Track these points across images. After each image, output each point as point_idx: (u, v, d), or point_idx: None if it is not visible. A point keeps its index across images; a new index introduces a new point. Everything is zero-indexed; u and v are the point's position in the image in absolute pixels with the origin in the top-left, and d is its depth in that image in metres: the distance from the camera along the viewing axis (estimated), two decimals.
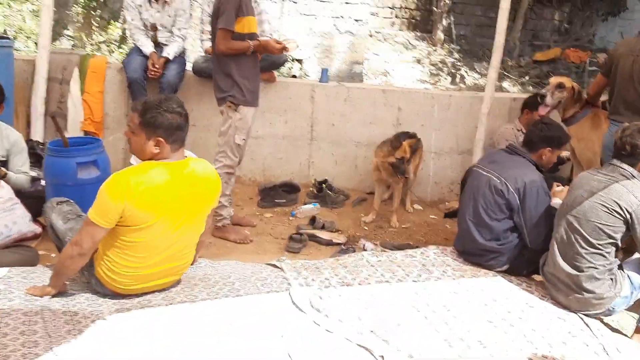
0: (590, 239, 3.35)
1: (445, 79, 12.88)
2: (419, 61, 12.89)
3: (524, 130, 5.31)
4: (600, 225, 3.33)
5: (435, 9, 13.16)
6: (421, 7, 13.45)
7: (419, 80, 12.49)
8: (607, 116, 4.52)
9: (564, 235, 3.46)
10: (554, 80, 4.67)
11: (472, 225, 3.88)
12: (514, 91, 13.26)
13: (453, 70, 13.02)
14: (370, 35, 12.58)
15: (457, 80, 12.92)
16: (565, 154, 4.80)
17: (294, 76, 9.52)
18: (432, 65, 12.92)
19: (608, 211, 3.31)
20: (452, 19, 13.42)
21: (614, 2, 15.34)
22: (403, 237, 4.93)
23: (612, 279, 3.40)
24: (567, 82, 4.64)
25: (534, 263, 3.81)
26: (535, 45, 15.15)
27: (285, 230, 4.78)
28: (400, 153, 4.79)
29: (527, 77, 13.64)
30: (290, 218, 5.02)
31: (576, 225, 3.40)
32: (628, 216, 3.29)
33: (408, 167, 4.89)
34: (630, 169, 3.38)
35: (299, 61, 9.89)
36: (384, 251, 4.40)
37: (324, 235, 4.65)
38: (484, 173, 3.88)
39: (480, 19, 14.14)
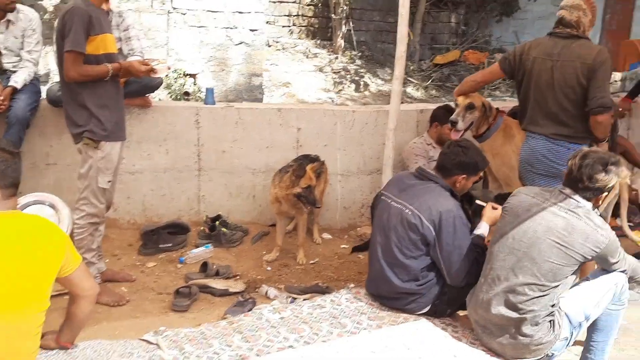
0: (543, 281, 2.86)
1: (349, 86, 12.52)
2: (320, 70, 12.45)
3: (435, 145, 4.92)
4: (558, 266, 2.85)
5: (333, 15, 12.79)
6: (319, 14, 13.03)
7: (322, 90, 12.06)
8: (522, 127, 4.07)
9: (503, 273, 2.95)
10: (462, 100, 4.18)
11: (386, 266, 3.33)
12: (418, 95, 13.10)
13: (356, 78, 12.68)
14: (268, 45, 12.01)
15: (361, 87, 12.60)
16: None
17: (187, 93, 8.79)
18: (335, 73, 12.52)
19: (572, 254, 2.84)
20: (351, 25, 13.07)
21: (507, 3, 15.57)
22: (312, 275, 4.36)
23: (551, 321, 2.93)
24: (477, 100, 4.20)
25: (458, 300, 3.32)
26: (435, 48, 15.11)
27: (172, 281, 4.09)
28: (305, 181, 4.23)
29: (429, 81, 13.53)
30: (179, 265, 4.33)
31: (526, 263, 2.89)
32: (595, 255, 2.87)
33: (317, 195, 4.35)
34: (588, 204, 2.94)
35: (192, 76, 9.18)
36: (291, 297, 3.87)
37: (218, 284, 3.99)
38: (395, 205, 3.34)
39: (380, 24, 13.91)
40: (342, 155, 5.03)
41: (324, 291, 3.94)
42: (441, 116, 4.94)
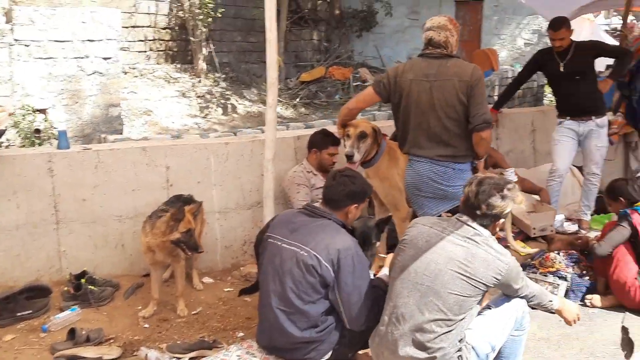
0: (450, 315, 2.71)
1: (216, 110, 12.15)
2: (184, 95, 11.99)
3: (316, 172, 4.73)
4: (463, 298, 2.72)
5: (192, 38, 12.39)
6: (177, 38, 12.55)
7: (187, 115, 11.59)
8: (404, 151, 3.94)
9: (407, 311, 2.76)
10: (353, 131, 4.00)
11: (283, 315, 3.02)
12: (288, 114, 12.98)
13: (223, 101, 12.34)
14: (125, 73, 11.37)
15: (229, 110, 12.26)
16: None
17: (38, 130, 8.03)
18: (199, 97, 12.11)
19: (476, 283, 2.72)
20: (212, 47, 12.72)
21: (365, 19, 15.97)
22: (195, 327, 3.96)
23: (459, 357, 2.78)
24: (367, 127, 4.05)
25: (360, 341, 3.12)
26: (300, 65, 15.14)
27: (36, 355, 3.54)
28: (185, 225, 3.84)
29: (298, 99, 13.47)
30: (42, 335, 3.75)
31: (431, 298, 2.72)
32: (497, 282, 2.78)
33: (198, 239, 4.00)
34: (486, 231, 2.85)
35: (42, 111, 8.40)
36: (174, 358, 3.47)
37: (89, 352, 3.49)
38: (287, 247, 3.05)
39: (242, 45, 13.68)
40: (219, 191, 4.67)
41: (211, 346, 3.58)
42: (319, 142, 4.79)
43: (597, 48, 5.50)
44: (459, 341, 2.76)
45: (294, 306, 2.99)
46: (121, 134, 9.81)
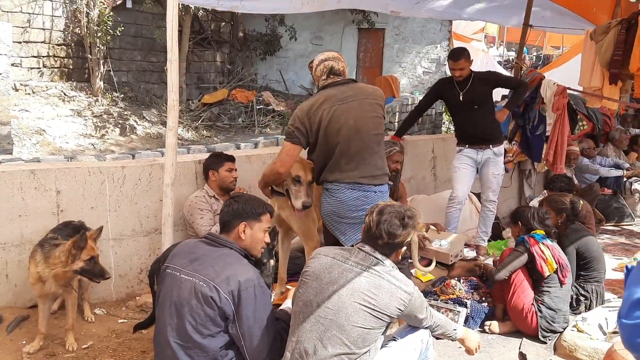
0: (354, 349, 2.66)
1: (113, 131, 11.72)
2: (79, 114, 11.48)
3: (218, 196, 4.61)
4: (367, 330, 2.68)
5: (89, 56, 11.91)
6: (73, 55, 12.03)
7: (82, 135, 11.10)
8: (320, 181, 3.86)
9: (310, 346, 2.69)
10: (305, 176, 3.85)
11: (180, 350, 2.86)
12: (189, 136, 12.72)
13: (121, 121, 11.92)
14: (16, 90, 10.75)
15: (127, 131, 11.85)
16: None
17: None
18: (96, 117, 11.64)
19: (380, 315, 2.69)
20: (110, 65, 12.30)
21: (269, 42, 16.00)
22: None
23: None
24: (310, 171, 3.90)
25: None
26: (202, 87, 14.91)
27: None
28: (88, 252, 3.61)
29: (199, 121, 13.23)
30: None
31: (335, 332, 2.66)
32: (401, 313, 2.76)
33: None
34: (388, 261, 2.83)
35: None
36: None
37: None
38: (186, 277, 2.90)
39: (142, 64, 13.32)
40: (114, 217, 4.44)
41: None
42: (213, 162, 4.70)
43: (494, 79, 5.74)
44: None
45: (192, 340, 2.84)
46: (11, 154, 9.22)
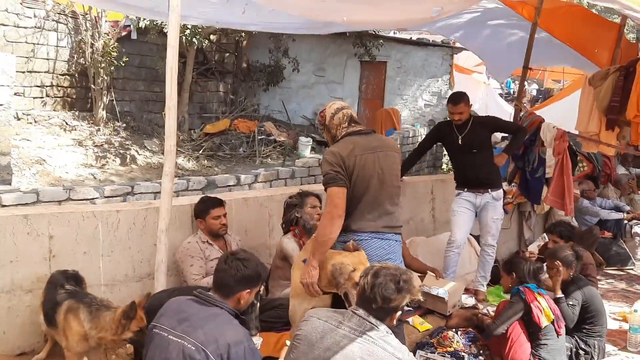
0: None
1: (114, 160, 11.73)
2: (80, 143, 11.50)
3: (211, 241, 4.56)
4: None
5: (92, 86, 11.97)
6: (77, 85, 12.11)
7: (82, 165, 11.10)
8: (346, 228, 3.67)
9: None
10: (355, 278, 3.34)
11: None
12: (190, 166, 12.71)
13: (122, 151, 11.93)
14: (18, 119, 10.79)
15: (128, 161, 11.85)
16: None
17: None
18: (97, 146, 11.65)
19: None
20: (113, 95, 12.36)
21: (272, 73, 16.08)
22: None
23: None
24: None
25: None
26: (204, 117, 14.96)
27: None
28: (138, 323, 3.47)
29: (201, 151, 13.24)
30: None
31: None
32: None
33: None
34: (382, 326, 2.75)
35: None
36: None
37: None
38: (174, 339, 2.84)
39: (145, 94, 13.38)
40: (107, 262, 4.39)
41: None
42: (200, 210, 4.63)
43: (493, 123, 5.74)
44: None
45: None
46: (10, 184, 9.21)
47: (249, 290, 3.01)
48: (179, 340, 2.81)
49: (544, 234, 7.55)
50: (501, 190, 5.74)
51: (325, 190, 3.66)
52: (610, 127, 6.30)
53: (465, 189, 5.60)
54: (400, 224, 3.87)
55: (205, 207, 4.60)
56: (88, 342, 3.59)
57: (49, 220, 4.20)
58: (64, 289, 3.78)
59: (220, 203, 4.65)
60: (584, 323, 4.56)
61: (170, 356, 2.80)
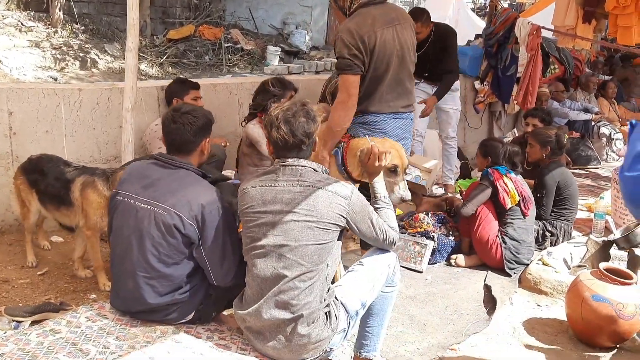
0: (310, 266, 2.54)
1: (74, 64, 11.26)
2: (37, 45, 10.98)
3: None
4: (320, 246, 2.55)
5: None
6: None
7: (40, 68, 10.65)
8: (364, 110, 3.54)
9: (268, 274, 2.57)
10: (401, 164, 3.24)
11: (142, 281, 2.73)
12: (153, 72, 12.30)
13: (81, 54, 11.45)
14: None
15: (88, 64, 11.41)
16: None
17: None
18: (55, 49, 11.15)
19: (325, 225, 2.55)
20: None
21: None
22: (41, 289, 3.63)
23: (327, 314, 2.64)
24: (400, 157, 3.27)
25: (225, 299, 2.92)
26: (167, 22, 14.38)
27: None
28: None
29: (164, 57, 12.80)
30: None
31: (289, 256, 2.54)
32: (344, 221, 2.61)
33: None
34: (311, 163, 2.67)
35: None
36: (14, 321, 3.15)
37: None
38: (142, 205, 2.72)
39: None
40: (70, 142, 4.24)
41: (57, 309, 3.26)
42: (178, 90, 4.46)
43: (445, 48, 5.39)
44: (327, 294, 2.63)
45: (156, 270, 2.70)
46: None
47: (207, 138, 2.90)
48: (148, 207, 2.71)
49: (514, 129, 7.61)
50: (458, 81, 5.65)
51: (339, 75, 3.48)
52: (587, 20, 6.23)
53: (422, 80, 5.49)
54: (415, 100, 3.74)
55: (184, 87, 4.45)
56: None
57: (7, 96, 4.01)
58: (70, 166, 3.61)
59: (198, 86, 4.54)
60: (555, 205, 4.61)
61: (141, 223, 2.70)
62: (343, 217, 2.60)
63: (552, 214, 4.62)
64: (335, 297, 2.70)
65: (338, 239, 2.68)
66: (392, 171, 3.22)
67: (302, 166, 2.65)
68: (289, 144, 2.64)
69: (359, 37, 3.36)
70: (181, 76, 11.54)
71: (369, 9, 3.46)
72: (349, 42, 3.36)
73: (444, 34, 5.45)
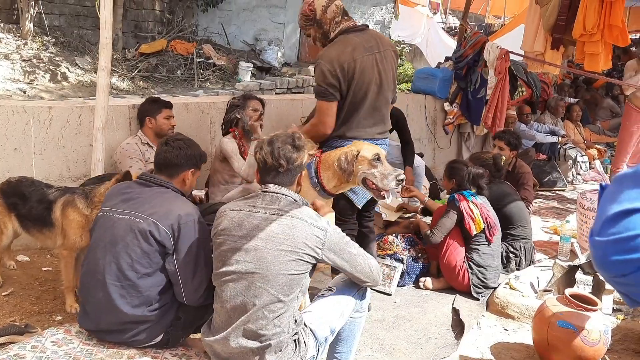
0: (281, 297, 2.53)
1: (43, 77, 11.13)
2: (6, 57, 10.84)
3: (152, 143, 4.40)
4: (293, 276, 2.54)
5: None
6: None
7: (9, 80, 10.50)
8: (341, 135, 3.60)
9: (237, 302, 2.56)
10: (382, 153, 3.38)
11: (113, 291, 2.73)
12: (124, 87, 12.20)
13: (52, 67, 11.32)
14: None
15: (58, 77, 11.28)
16: None
17: None
18: (25, 61, 11.01)
19: (301, 256, 2.54)
20: (41, 8, 11.62)
21: None
22: (5, 310, 3.53)
23: (295, 341, 2.64)
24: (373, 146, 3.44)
25: (194, 323, 2.93)
26: (140, 36, 14.31)
27: None
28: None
29: (136, 71, 12.72)
30: None
31: (260, 285, 2.52)
32: (321, 251, 2.59)
33: None
34: (295, 195, 2.68)
35: None
36: None
37: None
38: (121, 217, 2.77)
39: (76, 8, 12.60)
40: (39, 160, 4.18)
41: (22, 331, 3.18)
42: (150, 108, 4.47)
43: (398, 124, 5.43)
44: (295, 322, 2.63)
45: (127, 279, 2.72)
46: None
47: (193, 169, 2.99)
48: (125, 217, 2.77)
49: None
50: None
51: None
52: (556, 47, 6.38)
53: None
54: (390, 127, 3.79)
55: (158, 107, 4.46)
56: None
57: None
58: (52, 188, 3.55)
59: (170, 105, 4.56)
60: (506, 229, 4.65)
61: (117, 232, 2.74)
62: (319, 247, 2.59)
63: (509, 237, 4.68)
64: (305, 324, 2.70)
65: (310, 274, 2.68)
66: (377, 159, 3.29)
67: (283, 195, 2.65)
68: (267, 165, 2.67)
69: (339, 64, 3.44)
70: (153, 93, 11.50)
71: (350, 36, 3.53)
72: (327, 70, 3.44)
73: (398, 115, 5.47)
